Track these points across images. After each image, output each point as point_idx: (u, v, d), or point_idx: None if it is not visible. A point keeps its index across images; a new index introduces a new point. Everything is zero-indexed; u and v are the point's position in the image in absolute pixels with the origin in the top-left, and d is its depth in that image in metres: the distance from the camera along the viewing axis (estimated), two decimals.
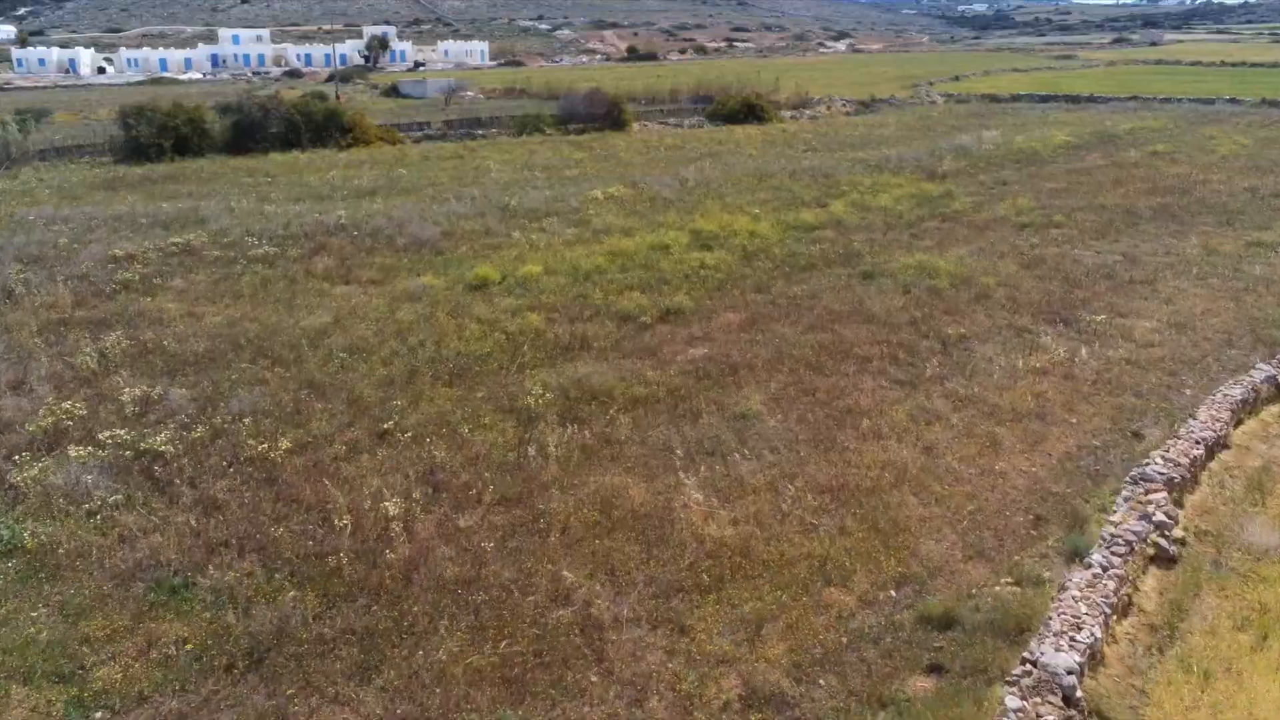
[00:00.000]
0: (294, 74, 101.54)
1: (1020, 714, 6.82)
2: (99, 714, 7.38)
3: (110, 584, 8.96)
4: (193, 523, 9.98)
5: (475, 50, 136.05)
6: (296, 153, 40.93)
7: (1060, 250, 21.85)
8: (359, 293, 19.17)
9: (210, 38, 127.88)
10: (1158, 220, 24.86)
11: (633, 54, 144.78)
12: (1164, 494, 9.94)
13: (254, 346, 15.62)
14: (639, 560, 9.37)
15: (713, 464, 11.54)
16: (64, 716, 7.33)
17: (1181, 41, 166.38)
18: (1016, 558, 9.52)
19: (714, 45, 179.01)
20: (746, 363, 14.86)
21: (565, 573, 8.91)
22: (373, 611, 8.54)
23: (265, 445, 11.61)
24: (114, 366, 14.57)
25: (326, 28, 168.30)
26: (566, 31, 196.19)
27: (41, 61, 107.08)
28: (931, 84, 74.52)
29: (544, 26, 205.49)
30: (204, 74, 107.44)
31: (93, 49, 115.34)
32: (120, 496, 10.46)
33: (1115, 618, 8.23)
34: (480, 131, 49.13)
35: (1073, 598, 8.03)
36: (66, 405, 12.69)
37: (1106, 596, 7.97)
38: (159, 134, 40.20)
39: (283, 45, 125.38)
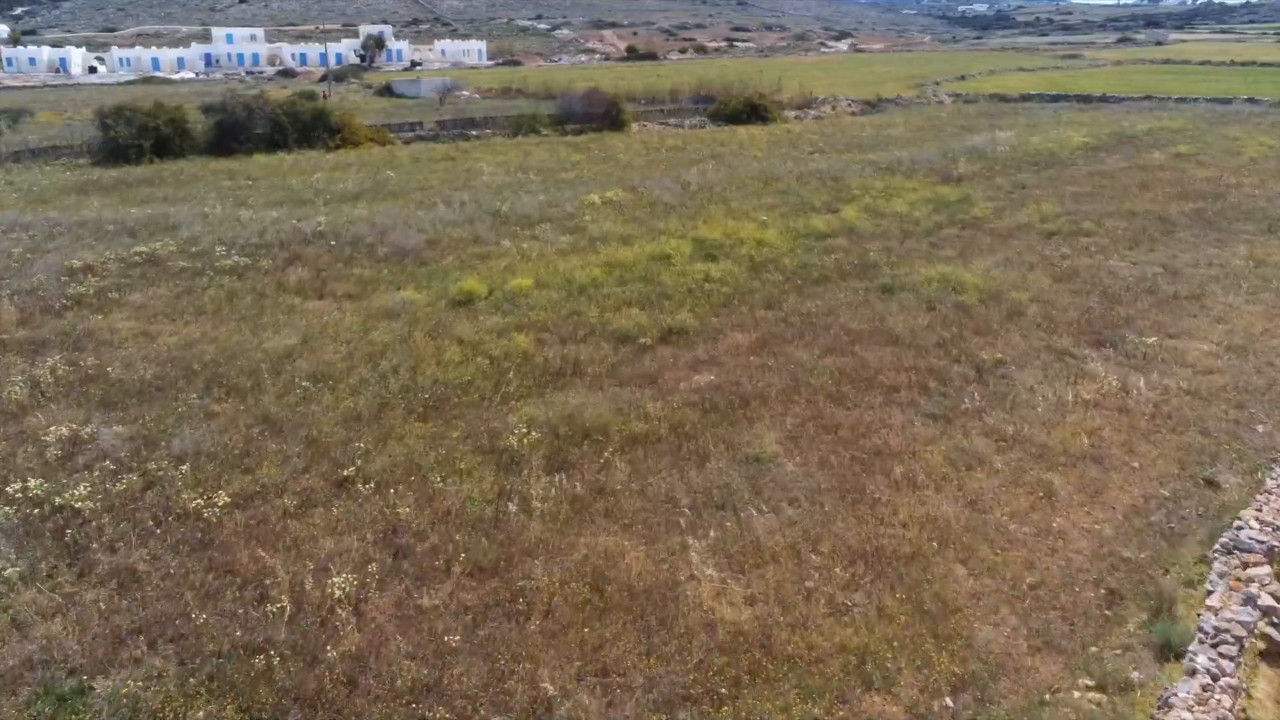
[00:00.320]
0: (288, 73, 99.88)
1: None
2: None
3: None
4: (103, 603, 8.34)
5: (473, 50, 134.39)
6: (282, 154, 39.29)
7: (1093, 261, 20.20)
8: (332, 309, 17.52)
9: (205, 37, 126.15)
10: (1194, 228, 23.21)
11: (632, 53, 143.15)
12: (1267, 568, 8.31)
13: (208, 373, 13.98)
14: (637, 655, 7.73)
15: (723, 520, 9.91)
16: None
17: (1186, 41, 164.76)
18: (1093, 649, 7.89)
19: (714, 45, 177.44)
20: (758, 392, 13.22)
21: (546, 684, 7.25)
22: None
23: (202, 499, 9.97)
24: (46, 398, 12.93)
25: (324, 27, 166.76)
26: (565, 31, 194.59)
27: (32, 61, 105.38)
28: (938, 84, 72.90)
29: (543, 26, 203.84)
30: (197, 74, 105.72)
31: (84, 48, 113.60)
32: (22, 567, 8.82)
33: None
34: (474, 132, 47.48)
35: (1180, 718, 6.39)
36: None
37: (1223, 717, 6.33)
38: (138, 135, 38.54)
39: (277, 45, 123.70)
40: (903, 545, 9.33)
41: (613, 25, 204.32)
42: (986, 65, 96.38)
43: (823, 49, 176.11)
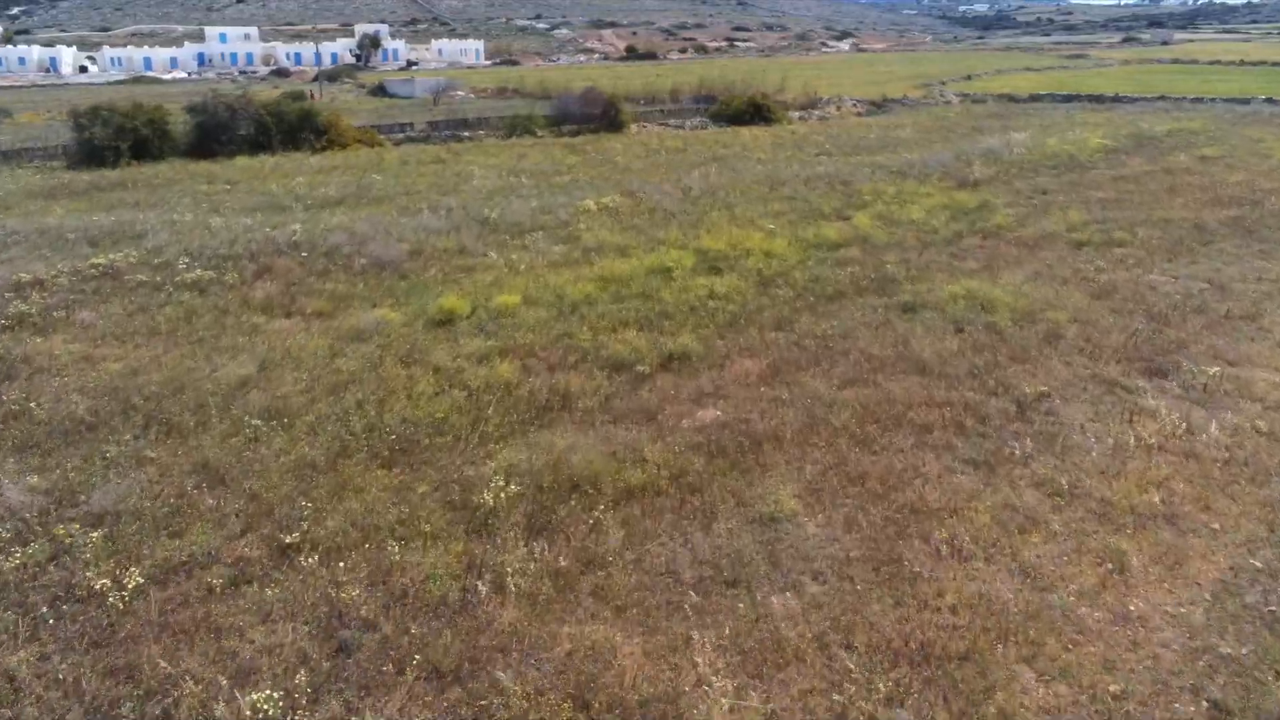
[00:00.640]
0: (281, 73, 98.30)
1: None
2: None
3: None
4: None
5: (470, 49, 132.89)
6: (265, 156, 37.71)
7: (1131, 275, 18.57)
8: (300, 329, 15.90)
9: (198, 37, 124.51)
10: (1235, 237, 21.58)
11: (631, 53, 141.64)
12: None
13: (149, 408, 12.35)
14: None
15: (734, 601, 8.28)
16: None
17: (1192, 41, 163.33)
18: None
19: (715, 45, 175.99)
20: (772, 432, 11.59)
21: None
22: None
23: (111, 577, 8.33)
24: None
25: (320, 27, 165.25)
26: (565, 31, 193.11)
27: (21, 60, 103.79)
28: (944, 84, 71.31)
29: (542, 26, 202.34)
30: (189, 73, 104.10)
31: (74, 48, 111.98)
32: None
33: None
34: (466, 133, 45.86)
35: None
36: None
37: None
38: (115, 136, 36.97)
39: (272, 44, 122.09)
40: (954, 639, 7.70)
41: (612, 25, 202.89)
42: (992, 65, 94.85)
43: (824, 49, 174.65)
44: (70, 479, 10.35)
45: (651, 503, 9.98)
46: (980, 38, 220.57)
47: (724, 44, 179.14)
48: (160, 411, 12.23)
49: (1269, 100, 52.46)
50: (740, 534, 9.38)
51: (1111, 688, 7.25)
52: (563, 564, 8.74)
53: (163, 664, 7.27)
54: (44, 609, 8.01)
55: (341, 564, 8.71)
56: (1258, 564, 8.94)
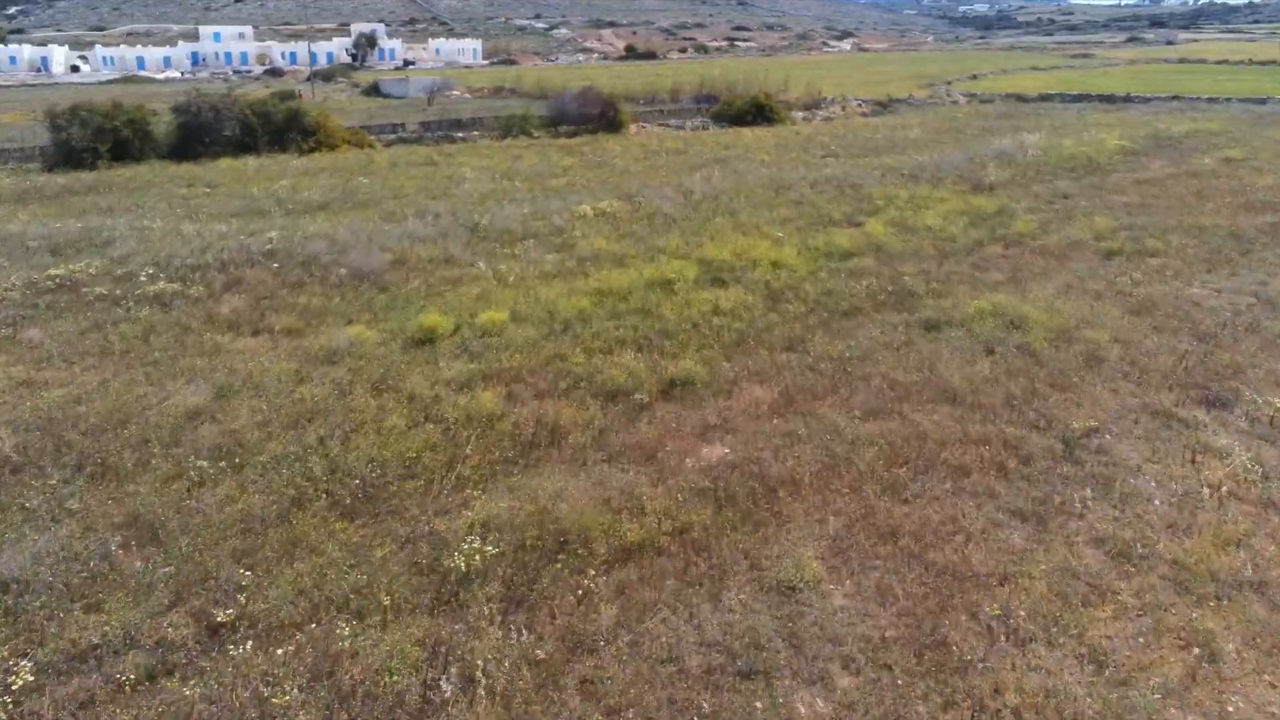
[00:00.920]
0: (275, 73, 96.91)
1: None
2: None
3: None
4: None
5: (468, 49, 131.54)
6: (249, 158, 36.30)
7: (1170, 288, 17.17)
8: (266, 349, 14.51)
9: (193, 36, 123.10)
10: (1275, 246, 20.17)
11: (631, 53, 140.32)
12: None
13: (85, 445, 10.95)
14: None
15: (751, 700, 6.88)
16: None
17: (1196, 40, 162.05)
18: None
19: (715, 44, 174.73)
20: (787, 475, 10.19)
21: None
22: None
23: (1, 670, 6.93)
24: None
25: (317, 26, 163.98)
26: (564, 30, 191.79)
27: (12, 60, 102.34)
28: (949, 83, 69.94)
29: (541, 25, 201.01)
30: (183, 73, 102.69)
31: (66, 47, 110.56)
32: None
33: None
34: (460, 134, 44.47)
35: None
36: None
37: None
38: (94, 137, 35.56)
39: (266, 44, 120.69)
40: None
41: (611, 25, 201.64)
42: (996, 64, 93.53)
43: (826, 49, 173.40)
44: None
45: (651, 565, 8.57)
46: (982, 38, 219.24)
47: (724, 44, 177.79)
48: (97, 450, 10.82)
49: None
50: (755, 607, 7.98)
51: None
52: (544, 654, 7.32)
53: None
54: None
55: (281, 650, 7.30)
56: None
